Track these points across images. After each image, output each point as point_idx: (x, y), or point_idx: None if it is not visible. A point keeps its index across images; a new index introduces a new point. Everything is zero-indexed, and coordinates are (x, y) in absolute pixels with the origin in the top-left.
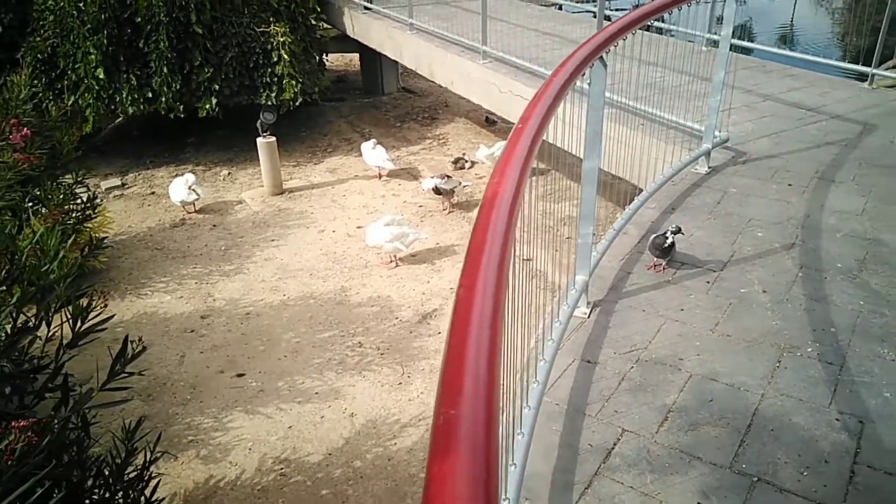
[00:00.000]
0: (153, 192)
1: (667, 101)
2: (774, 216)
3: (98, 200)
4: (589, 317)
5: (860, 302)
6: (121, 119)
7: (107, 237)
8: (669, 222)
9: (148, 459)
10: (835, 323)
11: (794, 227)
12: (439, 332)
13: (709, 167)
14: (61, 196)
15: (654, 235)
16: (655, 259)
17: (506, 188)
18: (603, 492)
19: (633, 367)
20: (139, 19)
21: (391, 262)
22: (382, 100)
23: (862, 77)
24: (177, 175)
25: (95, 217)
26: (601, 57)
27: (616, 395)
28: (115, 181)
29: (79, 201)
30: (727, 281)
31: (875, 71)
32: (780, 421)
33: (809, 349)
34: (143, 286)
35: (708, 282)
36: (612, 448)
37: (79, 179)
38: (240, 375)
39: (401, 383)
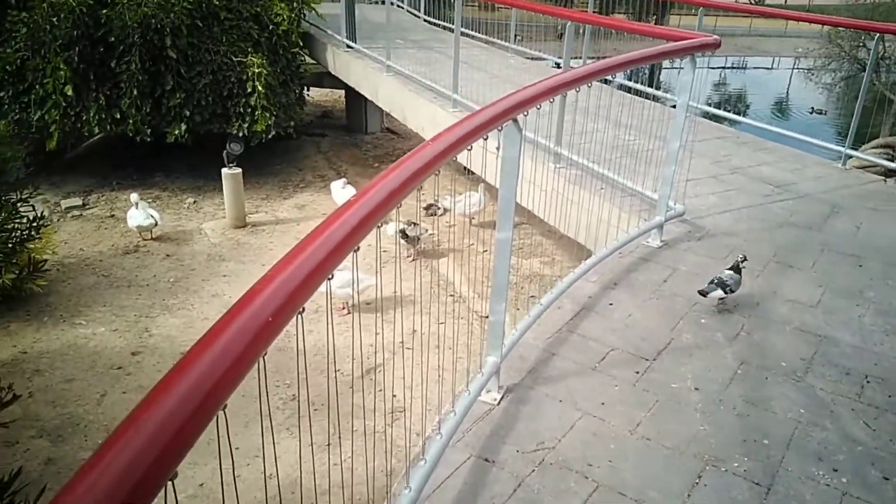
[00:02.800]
0: (112, 216)
1: (633, 166)
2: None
3: (45, 221)
4: (499, 403)
5: (801, 410)
6: (95, 138)
7: (47, 260)
8: (609, 298)
9: None
10: (769, 433)
11: (742, 315)
12: (380, 390)
13: (661, 241)
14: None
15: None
16: (719, 301)
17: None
18: None
19: (534, 471)
20: (112, 39)
21: (342, 308)
22: (364, 139)
23: (838, 156)
24: (142, 198)
25: (38, 238)
26: (515, 120)
27: None
28: (76, 201)
29: (23, 220)
30: (658, 372)
31: (848, 151)
32: None
33: (736, 464)
34: (79, 314)
35: (637, 371)
36: None
37: (22, 198)
38: None
39: (329, 444)
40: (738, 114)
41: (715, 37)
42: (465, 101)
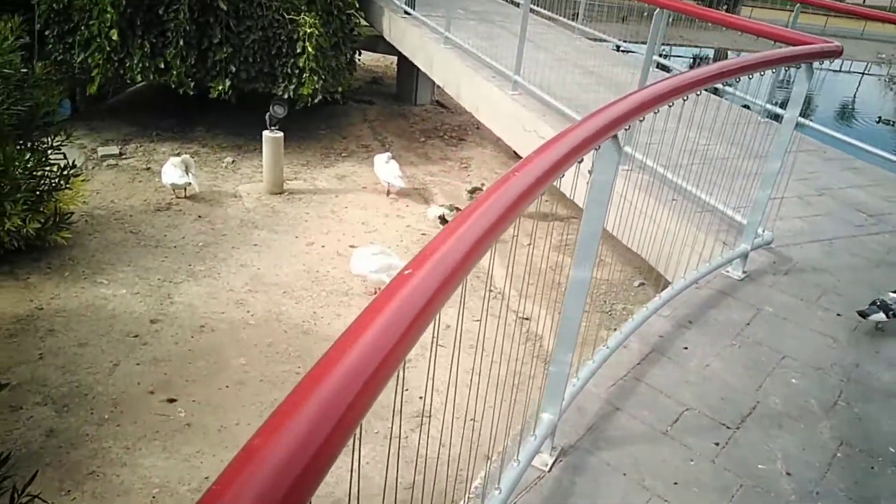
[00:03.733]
0: (149, 168)
1: (708, 175)
2: (815, 357)
3: (78, 170)
4: (550, 470)
5: None
6: (138, 85)
7: (73, 212)
8: (683, 340)
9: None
10: None
11: (839, 378)
12: (406, 389)
13: (744, 272)
14: (28, 162)
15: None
16: (878, 325)
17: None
18: None
19: None
20: None
21: (375, 292)
22: (413, 110)
23: None
24: (180, 152)
25: (68, 188)
26: (615, 136)
27: None
28: (114, 149)
29: (54, 168)
30: (742, 447)
31: None
32: None
33: None
34: (101, 272)
35: (717, 443)
36: None
37: (53, 145)
38: (171, 401)
39: (346, 445)
40: (804, 117)
41: (836, 43)
42: (527, 84)
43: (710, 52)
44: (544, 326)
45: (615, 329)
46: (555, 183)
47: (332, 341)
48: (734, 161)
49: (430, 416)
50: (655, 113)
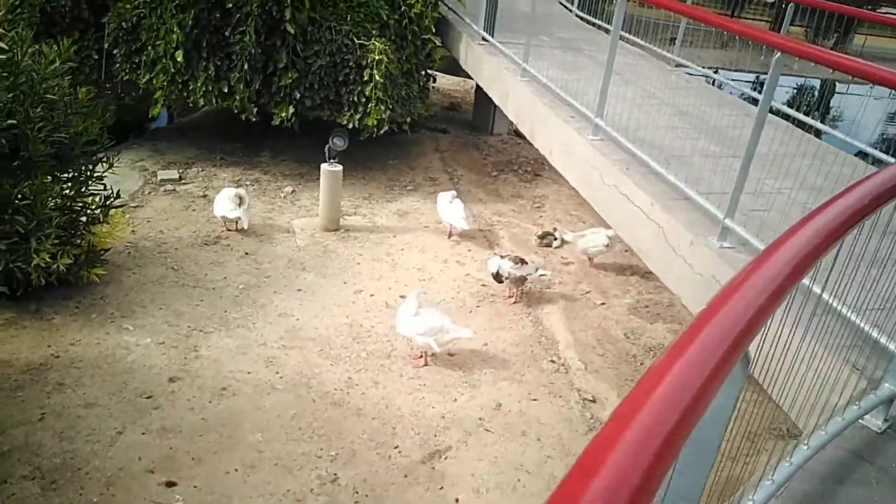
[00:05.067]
0: (205, 195)
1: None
2: None
3: (124, 199)
4: None
5: None
6: (202, 108)
7: (110, 248)
8: None
9: None
10: None
11: None
12: (441, 488)
13: (886, 420)
14: (64, 192)
15: None
16: None
17: None
18: None
19: None
20: (230, 5)
21: (420, 357)
22: (488, 140)
23: None
24: (241, 179)
25: (104, 223)
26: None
27: None
28: (173, 173)
29: (95, 198)
30: None
31: None
32: None
33: None
34: (131, 315)
35: None
36: None
37: (93, 175)
38: (169, 485)
39: None
40: None
41: None
42: (610, 130)
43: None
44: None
45: None
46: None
47: (364, 416)
48: (860, 246)
49: None
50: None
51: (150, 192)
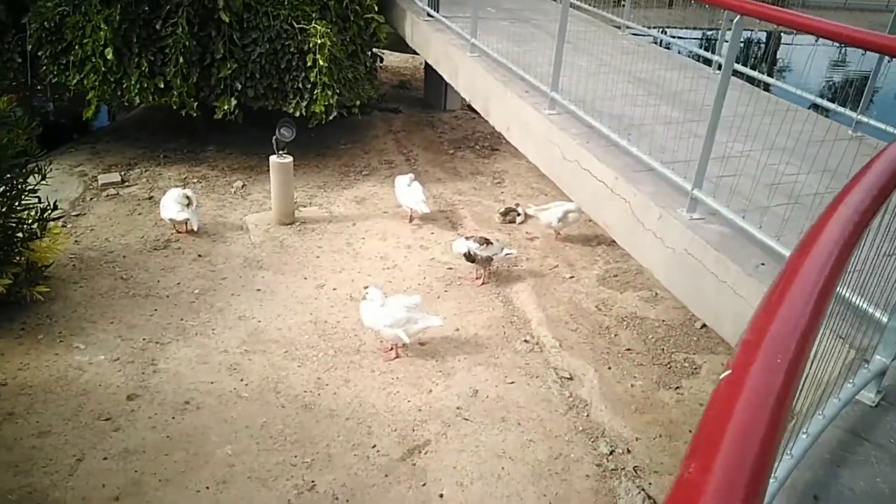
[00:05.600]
0: (151, 197)
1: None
2: None
3: (61, 211)
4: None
5: None
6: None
7: (48, 266)
8: None
9: None
10: None
11: None
12: (423, 484)
13: (879, 391)
14: None
15: None
16: None
17: None
18: None
19: None
20: None
21: (390, 349)
22: (442, 118)
23: None
24: (187, 176)
25: (42, 238)
26: None
27: None
28: (115, 176)
29: (29, 212)
30: None
31: None
32: None
33: None
34: (80, 332)
35: None
36: None
37: (24, 187)
38: None
39: None
40: None
41: None
42: (566, 104)
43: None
44: (591, 389)
45: None
46: None
47: (337, 417)
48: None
49: None
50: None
51: (91, 199)
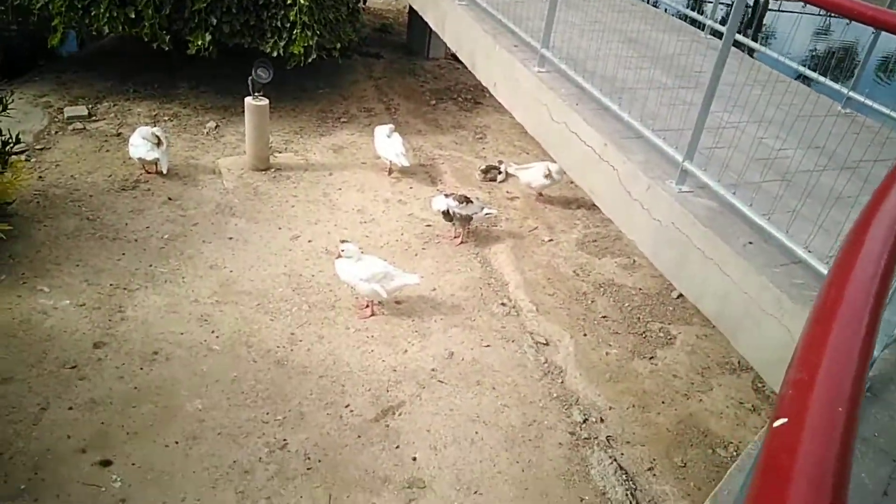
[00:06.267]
0: (119, 134)
1: (798, 205)
2: None
3: (23, 145)
4: None
5: None
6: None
7: (11, 203)
8: None
9: None
10: None
11: None
12: (397, 447)
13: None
14: None
15: None
16: None
17: None
18: None
19: None
20: None
21: (366, 306)
22: (424, 66)
23: None
24: (158, 114)
25: (4, 172)
26: None
27: None
28: (82, 110)
29: None
30: None
31: None
32: None
33: None
34: (45, 274)
35: None
36: None
37: None
38: (104, 464)
39: None
40: None
41: None
42: (557, 62)
43: None
44: (567, 356)
45: None
46: None
47: (310, 375)
48: (815, 175)
49: (424, 487)
50: None
51: (56, 132)
